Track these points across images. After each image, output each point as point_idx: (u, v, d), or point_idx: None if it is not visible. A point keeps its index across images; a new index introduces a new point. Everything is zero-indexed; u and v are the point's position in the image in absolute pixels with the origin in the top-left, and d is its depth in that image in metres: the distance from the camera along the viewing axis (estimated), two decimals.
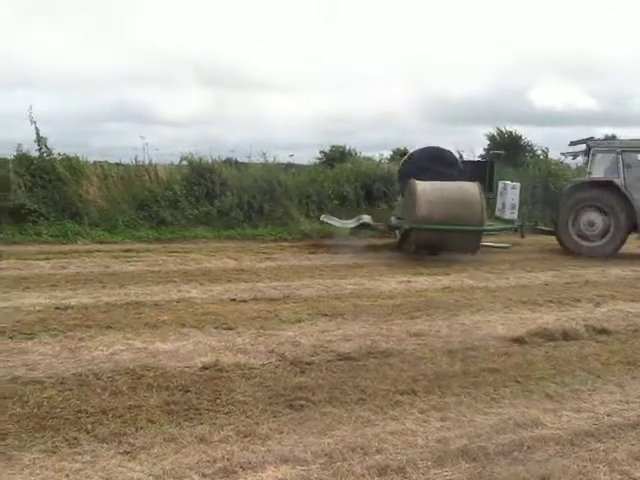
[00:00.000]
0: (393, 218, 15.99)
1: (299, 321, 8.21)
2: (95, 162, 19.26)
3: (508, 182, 16.20)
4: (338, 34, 54.08)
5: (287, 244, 16.12)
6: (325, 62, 52.18)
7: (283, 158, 20.92)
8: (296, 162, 21.19)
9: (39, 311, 8.44)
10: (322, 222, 16.84)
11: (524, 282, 11.76)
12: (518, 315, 8.95)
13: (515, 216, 16.20)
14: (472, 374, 6.29)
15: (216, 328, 7.72)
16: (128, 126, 46.72)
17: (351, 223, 16.67)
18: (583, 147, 17.16)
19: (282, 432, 4.80)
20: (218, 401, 5.33)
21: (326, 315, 8.59)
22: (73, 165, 17.76)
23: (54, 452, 4.41)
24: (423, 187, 13.94)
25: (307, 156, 21.82)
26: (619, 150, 16.01)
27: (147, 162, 18.98)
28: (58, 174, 17.14)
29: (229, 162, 20.36)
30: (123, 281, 10.66)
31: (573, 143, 18.00)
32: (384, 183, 19.89)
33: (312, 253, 14.72)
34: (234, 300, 9.40)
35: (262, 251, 14.81)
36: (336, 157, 23.79)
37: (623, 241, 15.83)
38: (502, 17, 59.21)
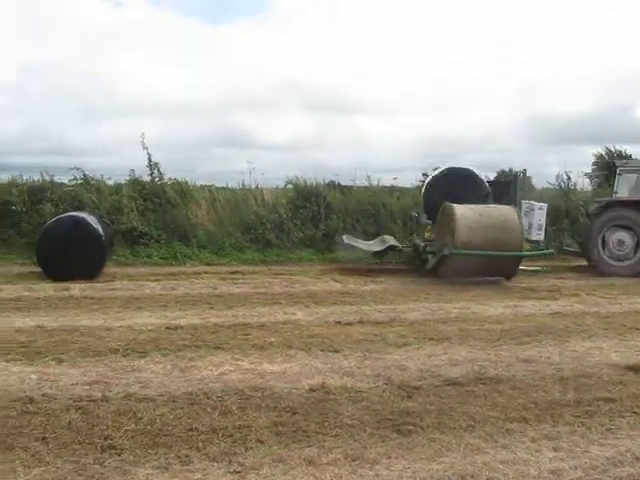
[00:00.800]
0: (420, 241, 15.66)
1: (405, 345, 8.14)
2: (203, 186, 19.87)
3: (534, 202, 15.72)
4: (436, 56, 53.78)
5: (391, 267, 16.05)
6: (426, 84, 51.91)
7: (386, 181, 20.90)
8: (399, 185, 21.10)
9: (151, 331, 8.74)
10: (345, 244, 16.22)
11: (638, 308, 11.27)
12: (633, 342, 8.59)
13: (542, 237, 15.64)
14: (585, 403, 6.06)
15: (322, 350, 7.76)
16: (233, 151, 47.89)
17: (375, 245, 16.35)
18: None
19: (390, 457, 4.76)
20: (326, 424, 5.33)
21: (432, 339, 8.50)
22: (183, 189, 18.49)
23: (167, 469, 4.52)
24: (462, 211, 13.62)
25: (410, 179, 21.60)
26: None
27: (253, 186, 19.41)
28: (168, 198, 17.84)
29: (333, 185, 20.51)
30: (230, 302, 10.91)
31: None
32: None
33: (416, 276, 14.59)
34: (339, 323, 9.44)
35: (366, 274, 14.80)
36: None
37: None
38: (609, 34, 57.40)
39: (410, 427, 5.29)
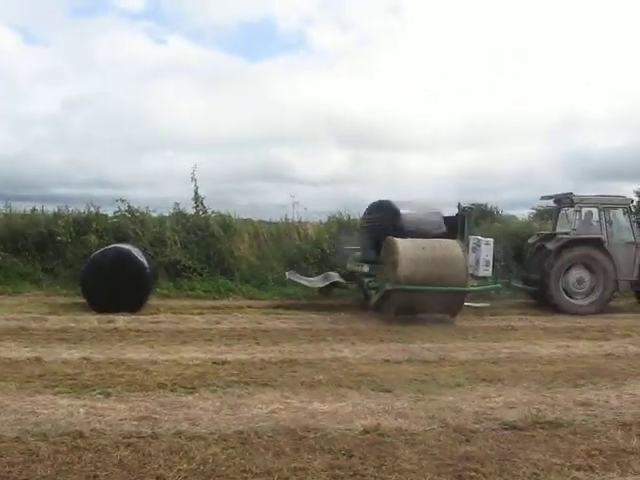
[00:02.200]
0: (366, 278, 15.11)
1: (458, 385, 7.93)
2: (246, 220, 19.91)
3: (481, 237, 15.36)
4: (472, 89, 53.48)
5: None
6: (463, 119, 51.48)
7: None
8: None
9: (197, 365, 8.66)
10: (290, 280, 16.15)
11: None
12: None
13: (489, 273, 15.11)
14: None
15: (373, 390, 7.56)
16: (271, 185, 48.10)
17: (318, 282, 16.02)
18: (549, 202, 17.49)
19: None
20: (384, 468, 5.14)
21: (484, 380, 8.26)
22: (226, 222, 18.46)
23: None
24: (404, 245, 13.25)
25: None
26: (601, 206, 16.14)
27: (296, 220, 19.41)
28: (212, 231, 17.85)
29: None
30: (276, 338, 10.83)
31: (545, 198, 17.72)
32: None
33: (464, 315, 14.25)
34: (388, 361, 9.26)
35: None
36: (477, 215, 23.28)
37: (609, 299, 15.92)
38: None
39: (472, 473, 5.07)
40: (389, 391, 7.52)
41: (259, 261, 17.92)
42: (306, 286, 16.01)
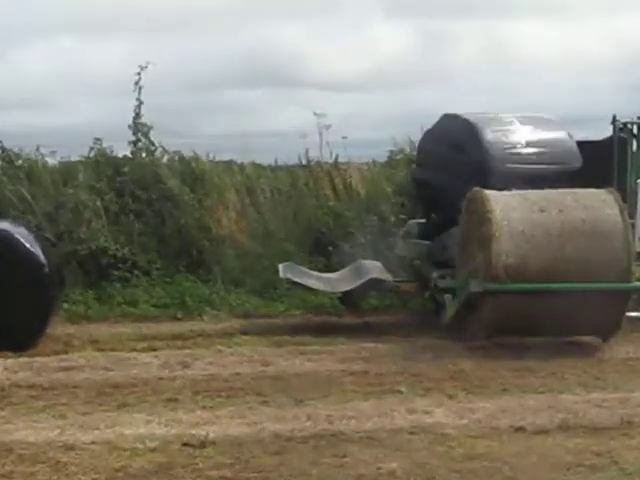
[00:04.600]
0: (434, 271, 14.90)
1: None
2: (229, 163, 19.83)
3: None
4: None
5: None
6: None
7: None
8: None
9: (154, 450, 8.62)
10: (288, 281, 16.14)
11: None
12: None
13: None
14: None
15: None
16: (268, 93, 47.87)
17: (342, 281, 15.89)
18: None
19: None
20: None
21: None
22: (193, 171, 18.37)
23: None
24: (504, 205, 12.88)
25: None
26: None
27: (328, 160, 19.32)
28: (166, 189, 17.74)
29: None
30: (299, 392, 10.86)
31: None
32: None
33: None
34: (522, 429, 9.24)
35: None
36: None
37: None
38: None
39: None
40: None
41: (259, 244, 17.86)
42: (316, 290, 15.97)
